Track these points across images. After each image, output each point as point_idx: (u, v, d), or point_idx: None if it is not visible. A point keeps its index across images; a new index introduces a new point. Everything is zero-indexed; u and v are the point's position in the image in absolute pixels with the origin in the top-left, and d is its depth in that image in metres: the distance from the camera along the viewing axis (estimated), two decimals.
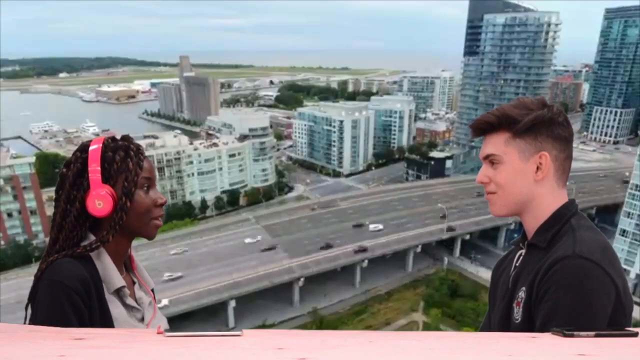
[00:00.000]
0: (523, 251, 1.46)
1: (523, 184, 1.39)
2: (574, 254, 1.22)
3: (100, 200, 1.34)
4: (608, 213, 69.75)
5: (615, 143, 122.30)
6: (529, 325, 1.28)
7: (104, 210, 1.35)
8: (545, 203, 1.40)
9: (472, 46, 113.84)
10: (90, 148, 1.40)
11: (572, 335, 0.93)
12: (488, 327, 1.58)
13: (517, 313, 1.34)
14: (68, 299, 1.23)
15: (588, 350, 0.84)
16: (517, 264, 1.46)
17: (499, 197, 1.43)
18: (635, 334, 0.95)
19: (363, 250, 55.50)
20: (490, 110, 1.47)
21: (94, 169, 1.37)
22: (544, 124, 1.39)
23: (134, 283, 1.54)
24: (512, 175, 1.39)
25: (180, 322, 41.33)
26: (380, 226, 61.41)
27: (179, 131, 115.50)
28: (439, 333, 1.02)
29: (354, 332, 1.08)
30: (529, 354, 0.88)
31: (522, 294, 1.34)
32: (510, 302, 1.40)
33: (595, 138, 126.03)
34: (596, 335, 0.92)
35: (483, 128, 1.45)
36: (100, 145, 1.41)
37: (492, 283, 1.65)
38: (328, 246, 56.35)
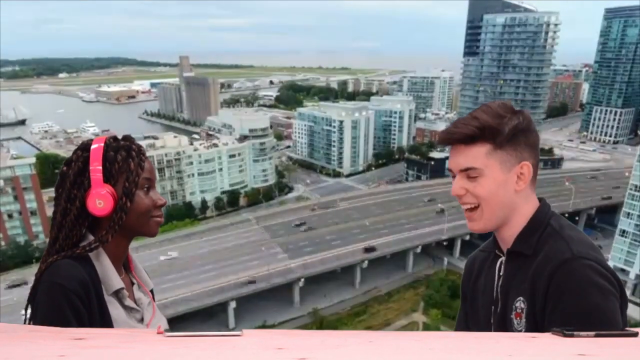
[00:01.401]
0: (503, 259, 1.42)
1: (505, 195, 1.35)
2: (574, 256, 1.20)
3: (101, 200, 1.34)
4: (608, 213, 69.81)
5: (615, 143, 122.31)
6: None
7: (105, 210, 1.35)
8: (521, 210, 1.37)
9: (471, 46, 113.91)
10: (92, 147, 1.40)
11: (572, 335, 0.93)
12: (464, 325, 1.57)
13: (520, 324, 1.31)
14: (67, 301, 1.24)
15: (588, 350, 0.84)
16: (502, 273, 1.42)
17: (481, 212, 1.37)
18: (635, 334, 0.95)
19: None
20: (461, 118, 1.38)
21: (96, 168, 1.36)
22: (522, 132, 1.35)
23: (132, 284, 1.55)
24: (495, 187, 1.34)
25: (180, 322, 41.36)
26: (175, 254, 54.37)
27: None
28: (439, 333, 1.02)
29: (354, 332, 1.05)
30: (529, 354, 0.87)
31: (520, 304, 1.31)
32: (504, 314, 1.36)
33: (595, 138, 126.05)
34: (596, 335, 0.93)
35: (460, 139, 1.36)
36: (102, 144, 1.41)
37: (464, 286, 1.62)
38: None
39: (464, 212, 1.42)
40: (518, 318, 1.31)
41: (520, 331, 1.30)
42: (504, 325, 1.36)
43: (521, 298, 1.30)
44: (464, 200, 1.39)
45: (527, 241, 1.34)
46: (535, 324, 1.25)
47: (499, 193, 1.35)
